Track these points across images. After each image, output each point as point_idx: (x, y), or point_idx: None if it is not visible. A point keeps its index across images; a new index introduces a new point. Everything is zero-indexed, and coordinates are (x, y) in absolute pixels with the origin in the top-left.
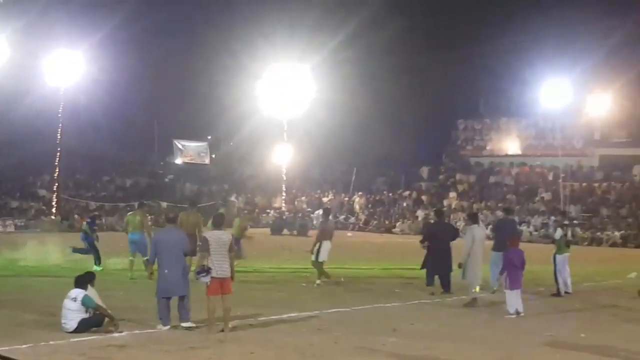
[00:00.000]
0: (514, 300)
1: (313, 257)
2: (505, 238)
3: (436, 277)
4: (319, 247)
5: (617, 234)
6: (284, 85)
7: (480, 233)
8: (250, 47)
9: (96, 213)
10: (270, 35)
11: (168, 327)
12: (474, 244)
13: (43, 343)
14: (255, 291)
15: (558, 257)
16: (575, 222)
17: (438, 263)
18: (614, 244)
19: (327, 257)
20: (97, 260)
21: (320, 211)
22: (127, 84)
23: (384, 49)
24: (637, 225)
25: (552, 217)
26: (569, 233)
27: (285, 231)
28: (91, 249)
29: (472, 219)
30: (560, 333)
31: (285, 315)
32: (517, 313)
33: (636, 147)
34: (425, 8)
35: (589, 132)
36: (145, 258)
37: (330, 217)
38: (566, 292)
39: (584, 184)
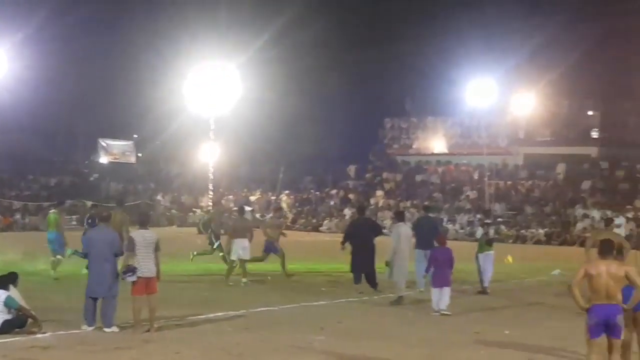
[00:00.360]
0: (440, 298)
1: (229, 255)
2: (425, 236)
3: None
4: (232, 245)
5: (541, 231)
6: (211, 83)
7: (406, 231)
8: (176, 45)
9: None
10: (197, 34)
11: (93, 327)
12: (399, 242)
13: None
14: (181, 291)
15: (480, 255)
16: (499, 220)
17: (362, 260)
18: (538, 242)
19: (245, 256)
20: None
21: (247, 209)
22: (51, 83)
23: (311, 47)
24: (561, 223)
25: (477, 216)
26: (491, 231)
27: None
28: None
29: (399, 217)
30: (485, 330)
31: (211, 315)
32: (443, 311)
33: (559, 145)
34: (353, 6)
35: (514, 131)
36: (58, 256)
37: (250, 214)
38: (485, 293)
39: (509, 182)
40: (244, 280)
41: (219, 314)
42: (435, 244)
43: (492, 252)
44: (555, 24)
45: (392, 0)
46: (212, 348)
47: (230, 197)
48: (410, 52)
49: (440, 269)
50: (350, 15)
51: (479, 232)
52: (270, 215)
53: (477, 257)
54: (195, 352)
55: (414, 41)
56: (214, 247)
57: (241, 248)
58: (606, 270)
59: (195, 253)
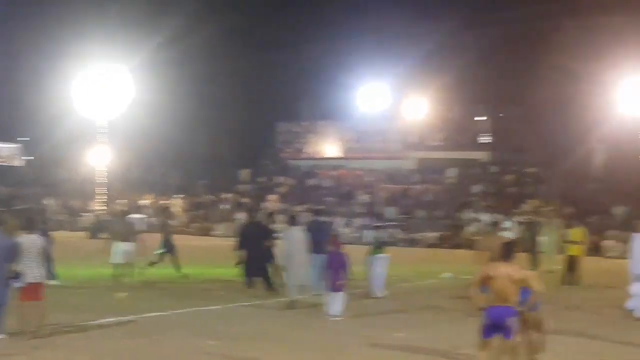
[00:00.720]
0: (333, 302)
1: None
2: (315, 240)
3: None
4: (112, 248)
5: (432, 235)
6: (102, 86)
7: (298, 235)
8: (63, 46)
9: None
10: (85, 34)
11: None
12: (291, 246)
13: None
14: (71, 296)
15: (369, 258)
16: (392, 223)
17: (254, 264)
18: (429, 245)
19: (123, 260)
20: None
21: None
22: None
23: (205, 50)
24: (452, 227)
25: (368, 219)
26: (378, 235)
27: (103, 234)
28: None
29: (291, 221)
30: (377, 334)
31: (102, 320)
32: (337, 315)
33: (451, 150)
34: (247, 10)
35: (406, 135)
36: None
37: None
38: (377, 297)
39: (401, 187)
40: (126, 281)
41: (110, 319)
42: (330, 247)
43: (382, 255)
44: (446, 30)
45: (285, 4)
46: (102, 354)
47: (122, 201)
48: (304, 56)
49: (334, 273)
50: (244, 18)
51: (368, 235)
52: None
53: (367, 261)
54: (86, 358)
55: (308, 45)
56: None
57: (122, 252)
58: (505, 272)
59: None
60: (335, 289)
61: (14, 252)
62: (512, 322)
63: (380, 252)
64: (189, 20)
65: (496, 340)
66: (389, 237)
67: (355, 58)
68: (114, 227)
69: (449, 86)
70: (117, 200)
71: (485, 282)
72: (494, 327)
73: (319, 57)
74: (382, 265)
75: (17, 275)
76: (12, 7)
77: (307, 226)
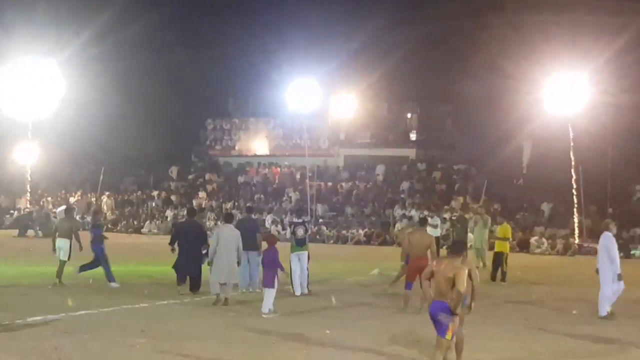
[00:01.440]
0: (267, 298)
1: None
2: (245, 236)
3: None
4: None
5: (361, 232)
6: (28, 81)
7: (227, 233)
8: None
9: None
10: (9, 27)
11: None
12: (217, 244)
13: None
14: None
15: (292, 255)
16: (321, 220)
17: (187, 262)
18: (358, 242)
19: (63, 257)
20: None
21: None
22: None
23: (134, 46)
24: (380, 224)
25: (294, 217)
26: (300, 231)
27: (31, 232)
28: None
29: (227, 218)
30: (307, 330)
31: (29, 319)
32: (270, 312)
33: (379, 147)
34: (176, 6)
35: (335, 132)
36: None
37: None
38: (302, 294)
39: (330, 184)
40: (57, 280)
41: (38, 318)
42: (266, 244)
43: (304, 252)
44: (374, 27)
45: (214, 0)
46: (30, 353)
47: (49, 198)
48: (233, 53)
49: (266, 269)
50: (174, 14)
51: (288, 232)
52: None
53: (291, 258)
54: (13, 358)
55: (237, 42)
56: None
57: (64, 249)
58: (443, 268)
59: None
60: (266, 285)
61: None
62: (443, 317)
63: (301, 250)
64: (118, 14)
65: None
66: (316, 234)
67: (285, 55)
68: (57, 224)
69: (378, 83)
70: (44, 199)
71: (432, 277)
72: (433, 321)
73: (249, 54)
74: (302, 262)
75: None
76: None
77: (237, 223)
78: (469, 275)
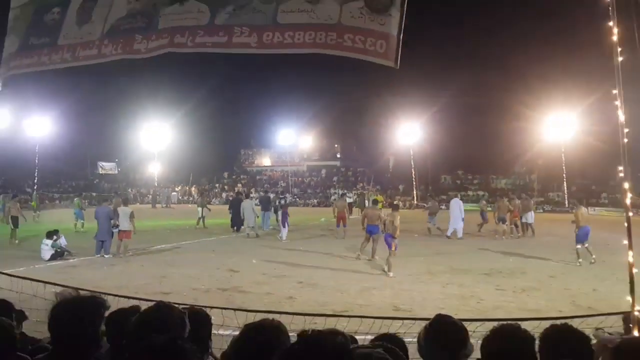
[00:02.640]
0: (283, 233)
1: None
2: (264, 205)
3: None
4: None
5: (315, 201)
6: (153, 131)
7: (248, 203)
8: None
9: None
10: (143, 102)
11: None
12: (246, 209)
13: (31, 267)
14: None
15: (279, 213)
16: (296, 196)
17: (236, 218)
18: (314, 206)
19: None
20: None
21: None
22: None
23: (205, 108)
24: (324, 197)
25: (281, 195)
26: (282, 202)
27: (158, 205)
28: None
29: (247, 196)
30: (298, 245)
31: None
32: (284, 239)
33: (322, 161)
34: (223, 78)
35: (302, 154)
36: None
37: None
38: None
39: (300, 178)
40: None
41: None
42: (284, 209)
43: (283, 211)
44: (323, 102)
45: (250, 76)
46: (157, 261)
47: (169, 188)
48: (255, 113)
49: (283, 219)
50: (221, 86)
51: (277, 202)
52: None
53: (278, 215)
54: (147, 262)
55: (256, 107)
56: None
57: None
58: (377, 213)
59: None
60: (284, 226)
61: None
62: (390, 240)
63: (269, 210)
64: (196, 93)
65: (369, 237)
66: (293, 203)
67: (278, 115)
68: (198, 201)
69: (322, 130)
70: (167, 188)
71: (365, 217)
72: (370, 232)
73: (261, 115)
74: (284, 217)
75: None
76: None
77: (258, 199)
78: (395, 219)
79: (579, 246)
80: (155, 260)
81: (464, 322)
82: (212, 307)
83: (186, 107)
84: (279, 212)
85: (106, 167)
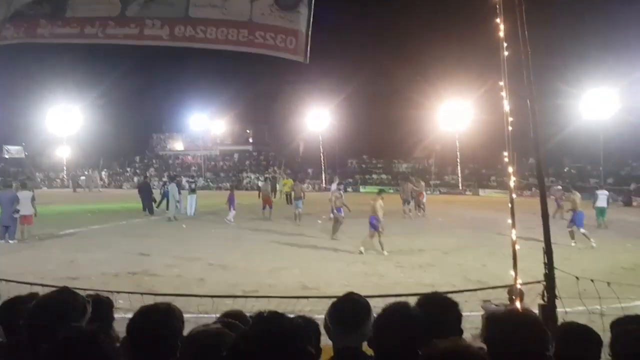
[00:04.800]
0: (230, 215)
1: None
2: (180, 187)
3: None
4: None
5: (227, 184)
6: (64, 116)
7: (173, 187)
8: None
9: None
10: (50, 83)
11: None
12: (174, 192)
13: None
14: None
15: (189, 196)
16: (209, 180)
17: (146, 201)
18: (226, 189)
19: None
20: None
21: None
22: None
23: (117, 93)
24: (236, 180)
25: (191, 179)
26: (192, 185)
27: (79, 189)
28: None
29: (170, 179)
30: (223, 226)
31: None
32: (231, 222)
33: (235, 145)
34: (138, 63)
35: (214, 139)
36: None
37: None
38: (190, 215)
39: (213, 163)
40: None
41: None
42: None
43: (194, 195)
44: (235, 88)
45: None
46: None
47: (83, 170)
48: (166, 97)
49: (230, 203)
50: (135, 70)
51: (187, 186)
52: None
53: (188, 199)
54: (68, 247)
55: (167, 91)
56: None
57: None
58: (372, 201)
59: None
60: (231, 209)
61: None
62: (375, 222)
63: (194, 194)
64: (109, 76)
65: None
66: (206, 187)
67: (190, 100)
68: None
69: (235, 115)
70: (81, 171)
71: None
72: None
73: (172, 99)
74: (193, 200)
75: None
76: None
77: (176, 183)
78: (378, 205)
79: (582, 230)
80: (63, 244)
81: (366, 298)
82: (119, 292)
83: (97, 91)
84: (189, 197)
85: (12, 150)
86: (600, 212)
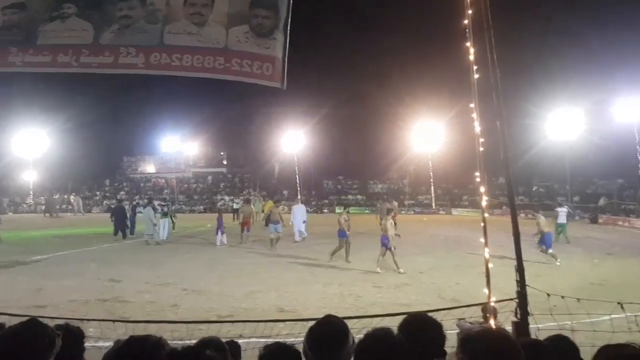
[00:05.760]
0: (220, 238)
1: None
2: (154, 210)
3: None
4: None
5: (201, 207)
6: (31, 139)
7: (148, 210)
8: None
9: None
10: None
11: None
12: (150, 216)
13: None
14: None
15: (161, 220)
16: (181, 203)
17: (119, 225)
18: (200, 212)
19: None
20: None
21: None
22: None
23: (84, 119)
24: (210, 203)
25: (163, 202)
26: (165, 209)
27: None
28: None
29: (148, 203)
30: (206, 249)
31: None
32: (222, 244)
33: (208, 168)
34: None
35: (187, 161)
36: None
37: None
38: (163, 240)
39: (186, 185)
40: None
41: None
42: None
43: (167, 219)
44: (207, 112)
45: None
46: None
47: (54, 196)
48: (136, 121)
49: (219, 227)
50: (104, 96)
51: (159, 210)
52: None
53: (162, 223)
54: (23, 277)
55: (139, 115)
56: None
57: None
58: (383, 222)
59: None
60: (220, 232)
61: None
62: (386, 241)
63: (167, 217)
64: (77, 102)
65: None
66: (179, 210)
67: (162, 123)
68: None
69: (208, 138)
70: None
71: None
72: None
73: (144, 122)
74: (166, 223)
75: None
76: None
77: (151, 206)
78: (389, 224)
79: (550, 250)
80: (30, 271)
81: (344, 319)
82: (89, 320)
83: (66, 114)
84: (162, 220)
85: None
86: (561, 228)
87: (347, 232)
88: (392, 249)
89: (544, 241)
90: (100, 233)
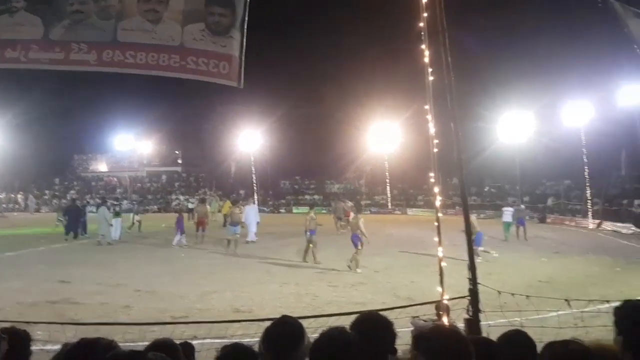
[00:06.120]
0: (179, 239)
1: None
2: (108, 210)
3: None
4: None
5: (155, 207)
6: None
7: (103, 210)
8: None
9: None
10: None
11: None
12: (104, 215)
13: None
14: None
15: (114, 219)
16: (134, 202)
17: (72, 225)
18: (154, 212)
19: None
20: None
21: None
22: None
23: (37, 113)
24: (165, 202)
25: (117, 201)
26: (118, 208)
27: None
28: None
29: (102, 202)
30: (163, 247)
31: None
32: (179, 244)
33: (163, 166)
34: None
35: (141, 159)
36: None
37: None
38: (115, 239)
39: (140, 185)
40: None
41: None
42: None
43: (120, 218)
44: (163, 108)
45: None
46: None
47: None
48: (89, 119)
49: (178, 226)
50: (59, 91)
51: (112, 209)
52: None
53: (115, 221)
54: None
55: (90, 113)
56: None
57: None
58: (354, 220)
59: None
60: (180, 232)
61: None
62: (355, 239)
63: (119, 216)
64: (31, 97)
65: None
66: (127, 209)
67: (115, 120)
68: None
69: (164, 136)
70: None
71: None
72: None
73: (96, 120)
74: (118, 223)
75: None
76: None
77: (105, 206)
78: (360, 222)
79: (480, 248)
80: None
81: (300, 319)
82: (36, 323)
83: (13, 110)
84: (114, 220)
85: None
86: (506, 226)
87: (313, 231)
88: (359, 247)
89: (475, 240)
90: (50, 233)
